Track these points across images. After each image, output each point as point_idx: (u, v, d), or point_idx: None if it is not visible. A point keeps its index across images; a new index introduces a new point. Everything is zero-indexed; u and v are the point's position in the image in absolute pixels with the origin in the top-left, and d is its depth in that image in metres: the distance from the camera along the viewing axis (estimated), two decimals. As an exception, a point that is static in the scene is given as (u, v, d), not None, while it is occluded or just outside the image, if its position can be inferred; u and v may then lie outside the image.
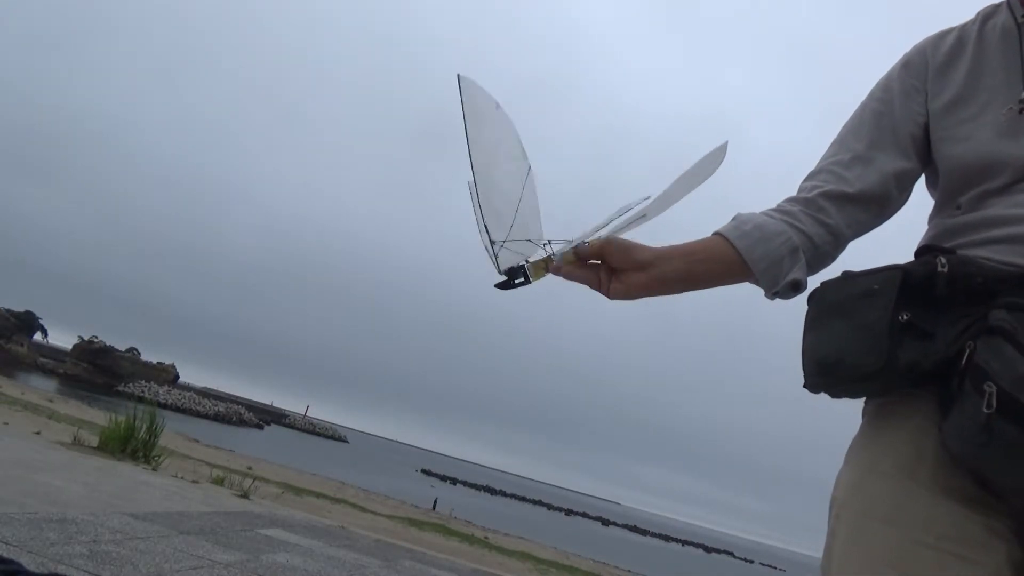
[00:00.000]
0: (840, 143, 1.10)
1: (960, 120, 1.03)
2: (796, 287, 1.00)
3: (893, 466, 0.90)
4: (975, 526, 0.85)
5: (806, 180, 1.09)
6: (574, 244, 0.96)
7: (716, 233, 1.01)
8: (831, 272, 1.04)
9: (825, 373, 0.92)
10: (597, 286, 0.98)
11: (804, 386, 1.01)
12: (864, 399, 1.05)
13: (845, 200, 1.04)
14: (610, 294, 0.98)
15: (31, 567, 1.65)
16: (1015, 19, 1.04)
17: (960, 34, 1.09)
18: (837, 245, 1.06)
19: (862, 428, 0.99)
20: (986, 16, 1.09)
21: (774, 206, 1.07)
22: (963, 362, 0.84)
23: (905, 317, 0.87)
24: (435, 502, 21.45)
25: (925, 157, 1.08)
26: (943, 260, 0.90)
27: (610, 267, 0.97)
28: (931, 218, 1.10)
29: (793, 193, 1.10)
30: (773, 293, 1.01)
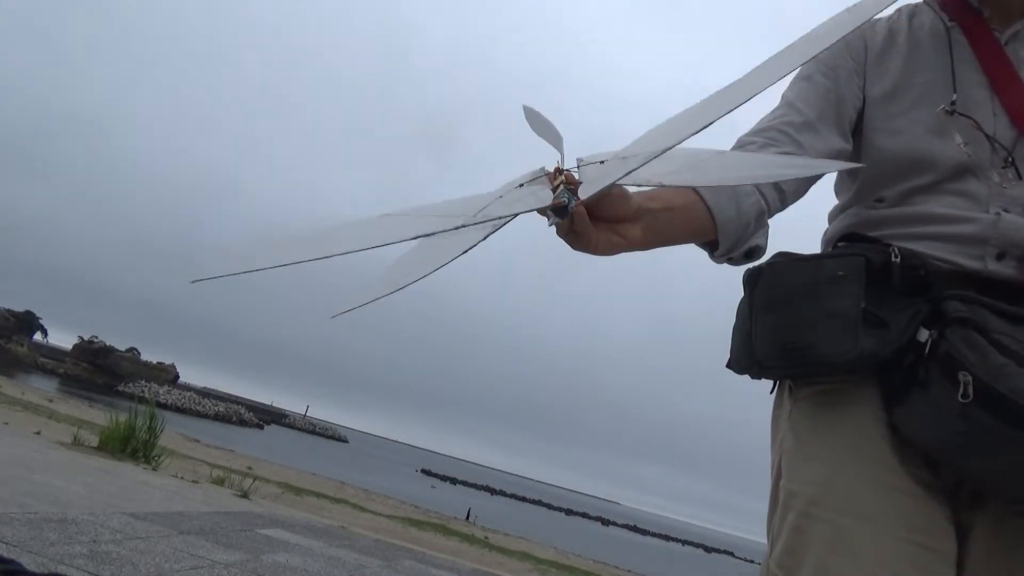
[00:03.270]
0: (788, 106, 1.07)
1: (893, 113, 1.05)
2: (752, 254, 0.97)
3: (865, 459, 0.90)
4: (936, 514, 0.88)
5: (752, 135, 1.03)
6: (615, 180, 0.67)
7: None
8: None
9: (789, 356, 0.92)
10: (587, 239, 0.74)
11: (730, 365, 1.01)
12: (776, 383, 1.06)
13: None
14: (598, 248, 0.75)
15: (31, 567, 1.65)
16: (943, 22, 1.07)
17: (889, 27, 1.11)
18: (779, 211, 1.03)
19: (805, 415, 0.98)
20: (911, 14, 1.11)
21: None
22: (927, 350, 0.86)
23: (863, 305, 0.88)
24: (468, 512, 21.10)
25: (855, 142, 1.09)
26: (896, 250, 0.94)
27: (598, 217, 0.74)
28: (845, 206, 1.11)
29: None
30: (727, 258, 0.96)
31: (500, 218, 0.66)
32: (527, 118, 0.95)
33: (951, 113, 0.99)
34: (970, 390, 0.80)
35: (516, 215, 0.66)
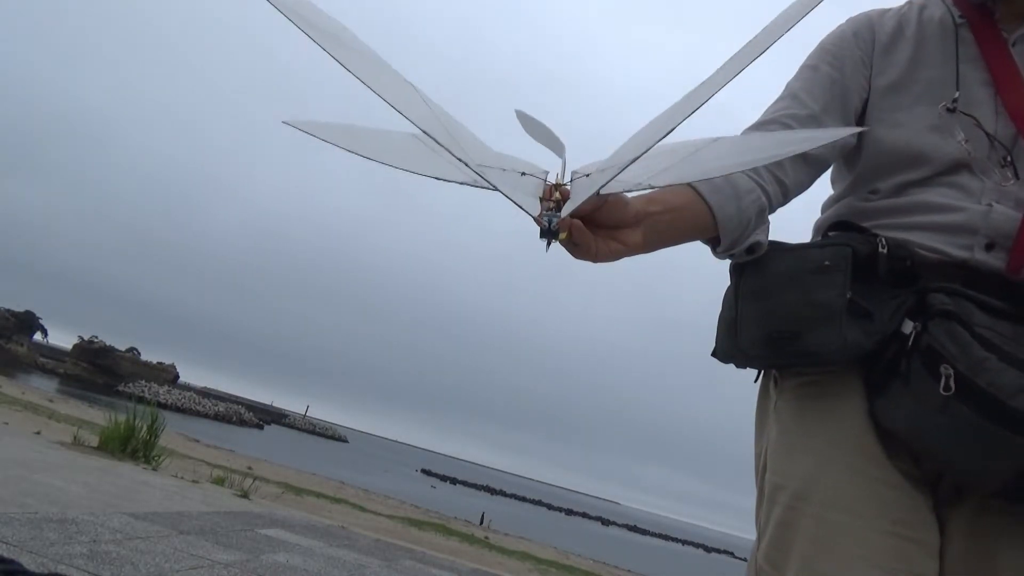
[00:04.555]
0: (792, 98, 1.07)
1: (895, 106, 1.05)
2: (753, 250, 0.96)
3: (849, 452, 0.91)
4: (919, 506, 0.88)
5: (756, 128, 1.04)
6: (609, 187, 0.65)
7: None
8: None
9: (773, 346, 0.92)
10: (587, 248, 0.73)
11: (715, 354, 1.02)
12: (761, 372, 1.06)
13: (802, 160, 1.02)
14: (598, 256, 0.74)
15: (31, 567, 1.65)
16: (953, 19, 1.07)
17: (899, 18, 1.11)
18: (782, 206, 1.03)
19: (790, 406, 0.98)
20: (921, 6, 1.11)
21: None
22: (910, 342, 0.86)
23: (848, 295, 0.89)
24: (482, 516, 20.92)
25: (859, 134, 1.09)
26: (883, 240, 0.94)
27: (597, 225, 0.74)
28: (839, 196, 1.11)
29: None
30: (728, 254, 0.95)
31: (488, 181, 0.66)
32: (522, 123, 0.93)
33: (952, 111, 0.99)
34: (951, 383, 0.80)
35: (505, 197, 0.65)
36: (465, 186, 0.67)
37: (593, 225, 0.73)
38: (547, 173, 0.74)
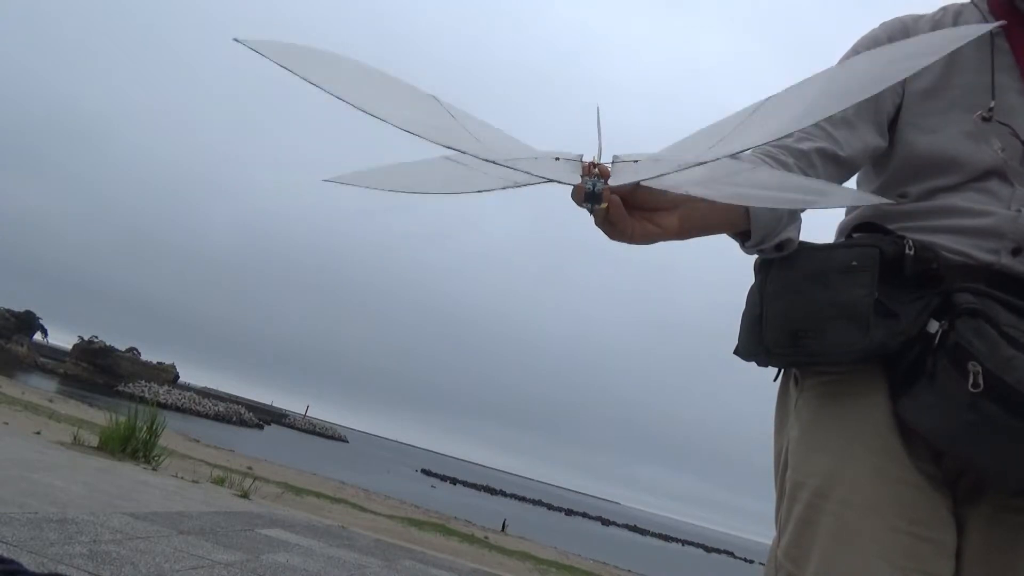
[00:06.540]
0: None
1: (929, 111, 1.05)
2: (783, 247, 0.95)
3: (869, 450, 0.91)
4: (937, 505, 0.89)
5: None
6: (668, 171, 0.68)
7: None
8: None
9: (798, 345, 0.92)
10: (623, 228, 0.76)
11: (738, 352, 1.02)
12: (781, 371, 1.06)
13: (834, 162, 1.02)
14: (634, 237, 0.77)
15: (31, 567, 1.65)
16: None
17: (933, 24, 1.10)
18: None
19: (811, 405, 0.98)
20: (957, 13, 1.11)
21: (761, 149, 0.99)
22: (936, 341, 0.86)
23: (875, 295, 0.89)
24: (504, 523, 20.73)
25: (890, 138, 1.08)
26: (910, 242, 0.94)
27: (634, 207, 0.76)
28: None
29: None
30: (758, 249, 0.95)
31: (528, 174, 0.67)
32: (598, 113, 0.98)
33: (988, 120, 0.99)
34: (980, 380, 0.80)
35: (546, 180, 0.66)
36: (507, 189, 0.68)
37: (630, 206, 0.75)
38: (581, 156, 0.76)
